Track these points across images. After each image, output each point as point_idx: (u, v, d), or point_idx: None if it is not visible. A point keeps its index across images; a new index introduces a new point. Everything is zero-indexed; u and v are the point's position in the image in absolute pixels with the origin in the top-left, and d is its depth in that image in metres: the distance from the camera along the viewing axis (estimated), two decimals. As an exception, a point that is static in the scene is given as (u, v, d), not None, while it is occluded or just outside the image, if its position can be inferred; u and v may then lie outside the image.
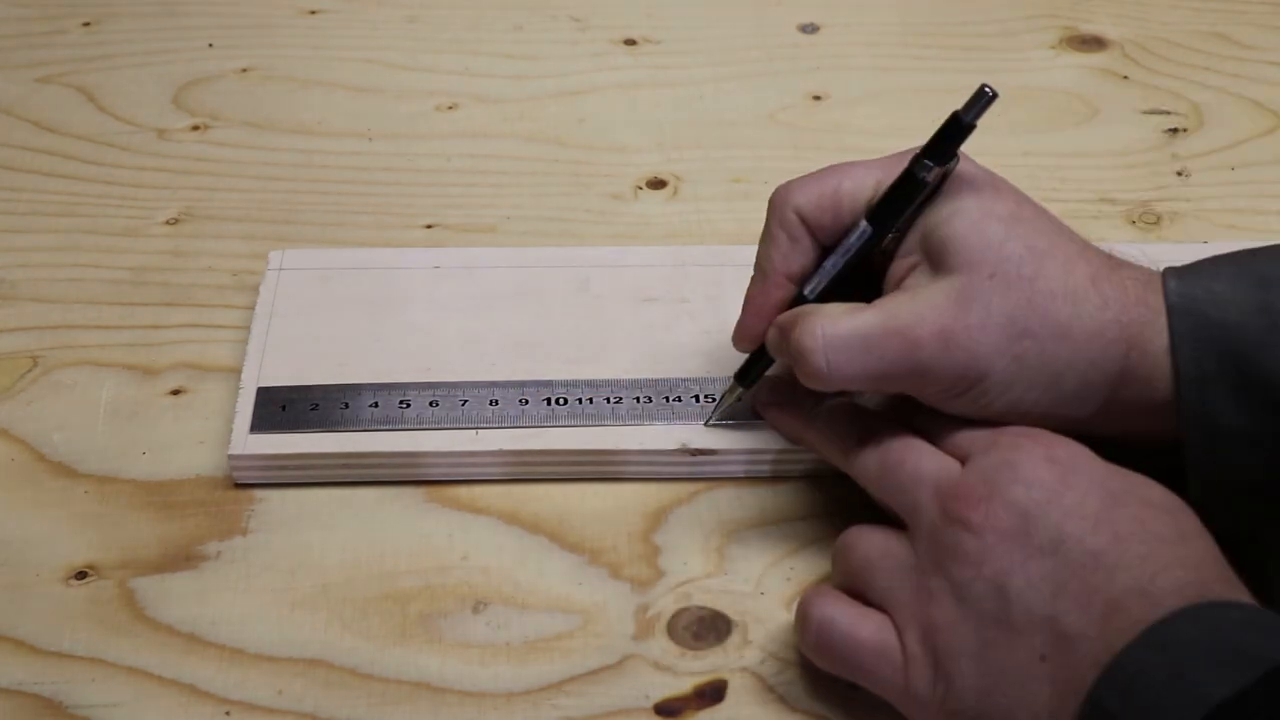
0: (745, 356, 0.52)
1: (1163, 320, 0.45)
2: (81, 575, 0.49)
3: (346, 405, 0.52)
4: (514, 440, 0.52)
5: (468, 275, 0.58)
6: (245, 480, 0.52)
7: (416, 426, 0.52)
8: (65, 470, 0.52)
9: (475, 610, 0.48)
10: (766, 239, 0.50)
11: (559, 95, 0.71)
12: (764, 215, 0.64)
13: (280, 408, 0.52)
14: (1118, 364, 0.45)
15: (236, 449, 0.51)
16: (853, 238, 0.48)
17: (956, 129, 0.47)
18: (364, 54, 0.74)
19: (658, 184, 0.66)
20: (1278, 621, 0.37)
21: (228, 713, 0.45)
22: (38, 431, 0.54)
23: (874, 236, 0.48)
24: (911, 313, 0.45)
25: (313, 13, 0.77)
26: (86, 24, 0.76)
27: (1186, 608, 0.37)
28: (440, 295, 0.57)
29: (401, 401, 0.52)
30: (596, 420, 0.52)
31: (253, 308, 0.57)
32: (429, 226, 0.63)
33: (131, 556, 0.50)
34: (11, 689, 0.46)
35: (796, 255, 0.49)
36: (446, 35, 0.76)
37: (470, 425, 0.52)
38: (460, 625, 0.48)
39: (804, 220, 0.49)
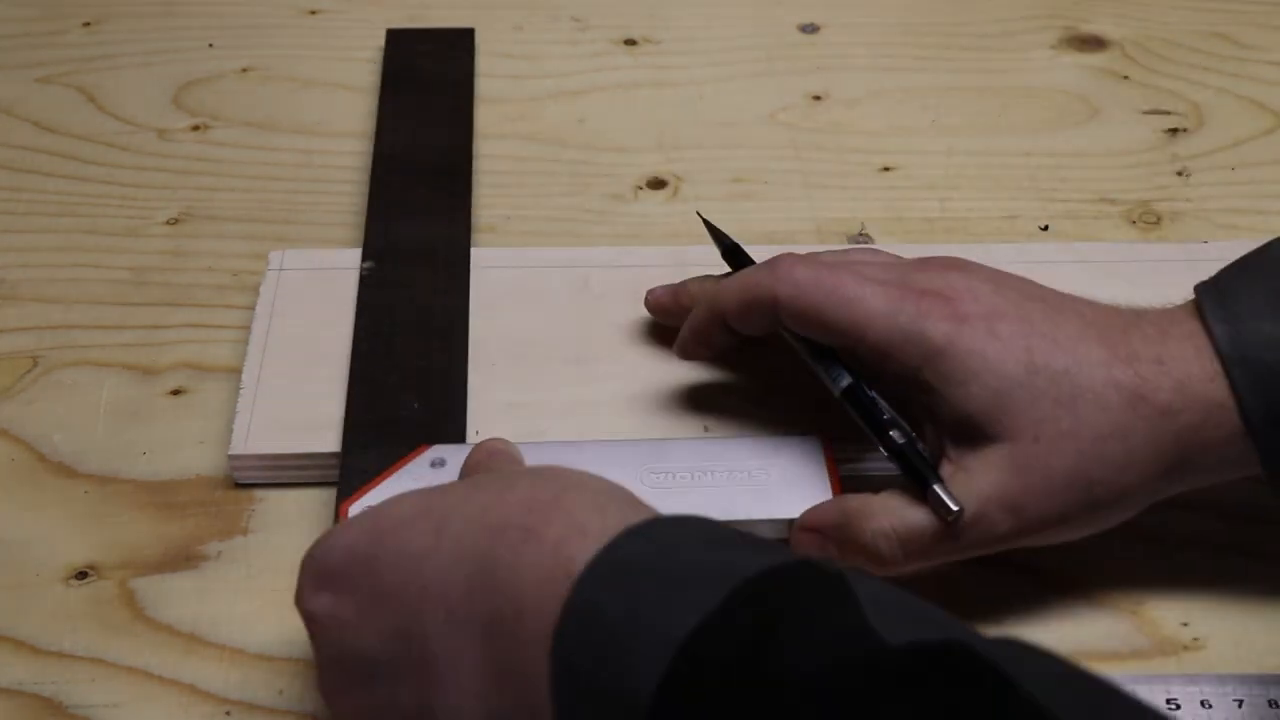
0: None
1: (1217, 373, 0.43)
2: (81, 575, 0.49)
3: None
4: (514, 439, 0.51)
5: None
6: (246, 480, 0.52)
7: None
8: (65, 470, 0.52)
9: (475, 610, 0.48)
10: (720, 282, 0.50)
11: (559, 95, 0.71)
12: (764, 215, 0.64)
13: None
14: (1179, 462, 0.43)
15: (237, 449, 0.51)
16: (826, 378, 0.48)
17: (821, 349, 0.47)
18: (364, 54, 0.74)
19: (658, 184, 0.66)
20: (738, 533, 0.36)
21: (228, 713, 0.45)
22: (38, 431, 0.54)
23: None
24: (976, 497, 0.44)
25: (313, 13, 0.77)
26: (86, 24, 0.76)
27: (630, 529, 0.35)
28: None
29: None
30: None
31: (253, 308, 0.57)
32: (429, 226, 0.63)
33: (131, 556, 0.50)
34: (11, 689, 0.46)
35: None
36: (446, 35, 0.76)
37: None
38: (460, 625, 0.48)
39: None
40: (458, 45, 0.71)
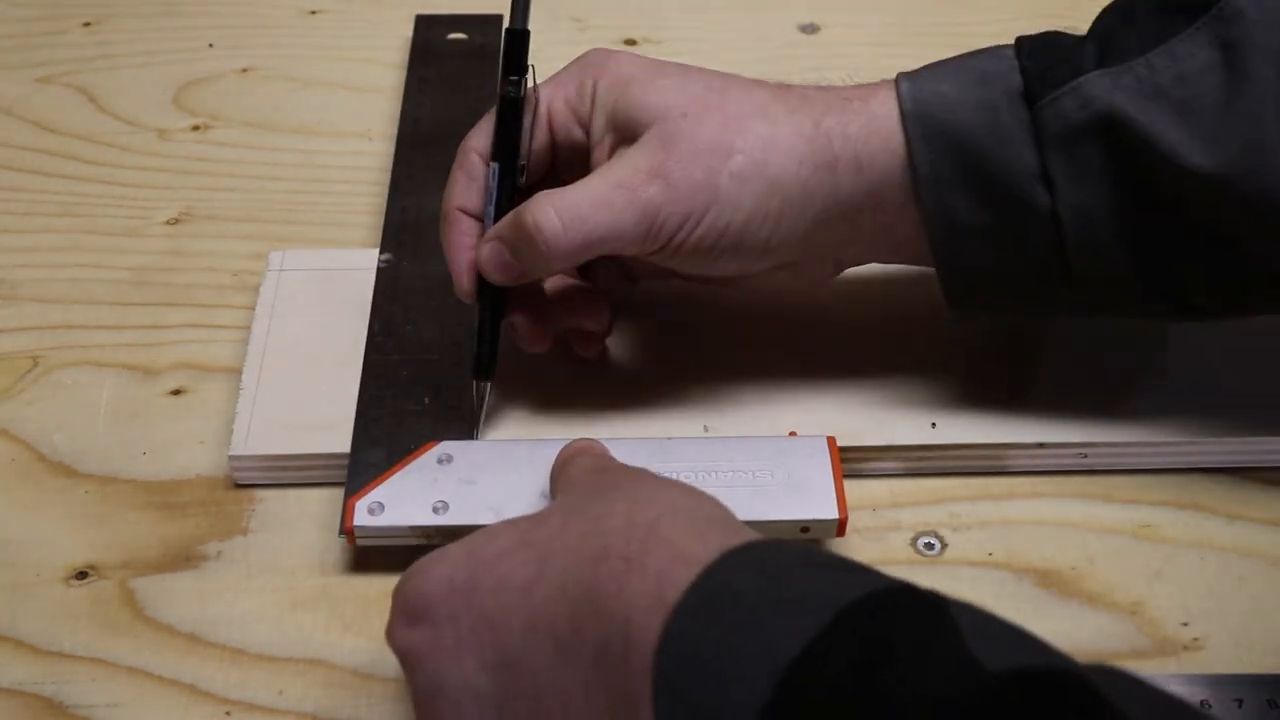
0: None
1: (897, 130, 0.47)
2: (81, 575, 0.49)
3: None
4: (512, 435, 0.52)
5: None
6: (246, 480, 0.52)
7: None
8: (65, 470, 0.52)
9: (475, 610, 0.48)
10: (447, 184, 0.51)
11: (559, 95, 0.71)
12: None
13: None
14: (831, 157, 0.47)
15: (237, 449, 0.51)
16: (490, 181, 0.50)
17: (514, 39, 0.51)
18: (364, 54, 0.74)
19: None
20: (836, 557, 0.36)
21: (228, 713, 0.45)
22: (38, 431, 0.54)
23: (505, 170, 0.50)
24: (626, 166, 0.47)
25: (313, 13, 0.77)
26: (87, 24, 0.76)
27: (730, 552, 0.35)
28: None
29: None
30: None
31: (253, 308, 0.57)
32: (429, 226, 0.63)
33: (131, 556, 0.50)
34: (11, 689, 0.46)
35: (473, 192, 0.50)
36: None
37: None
38: (460, 625, 0.48)
39: (483, 158, 0.50)
40: (487, 29, 0.71)
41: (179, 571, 0.49)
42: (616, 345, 0.55)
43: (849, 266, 0.52)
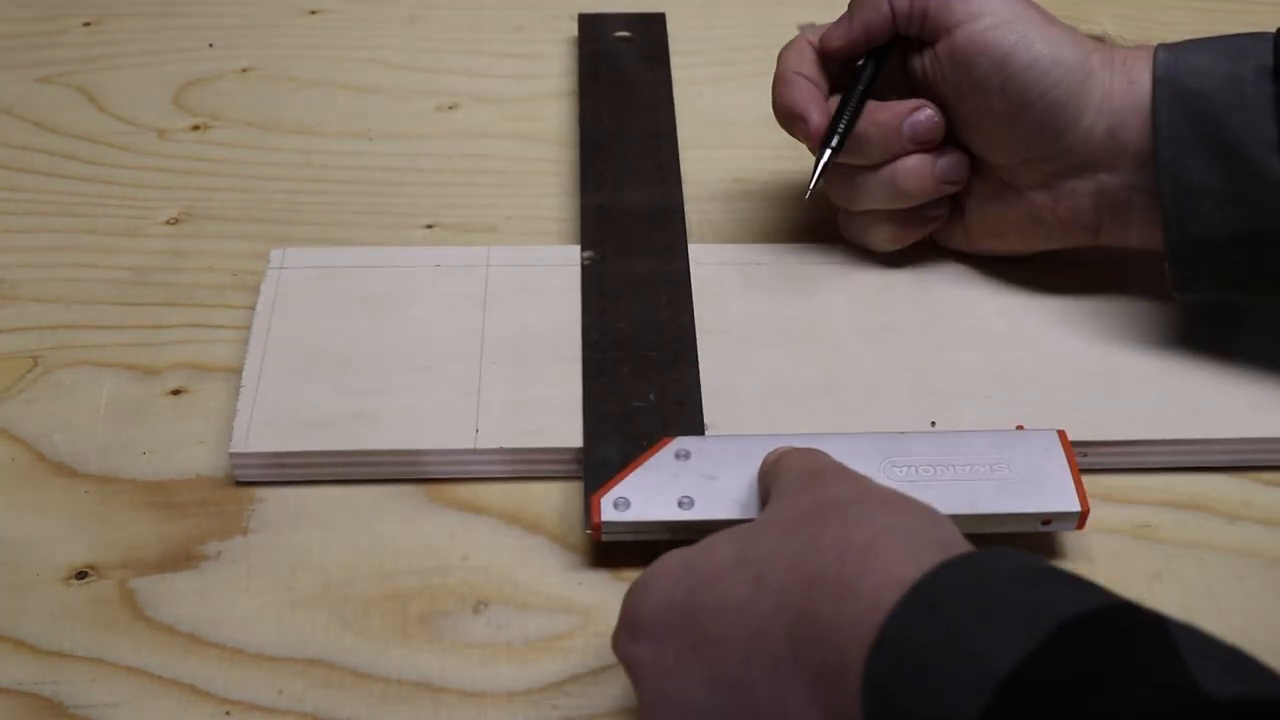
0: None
1: (1147, 91, 0.51)
2: (81, 575, 0.49)
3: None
4: (514, 439, 0.52)
5: (468, 273, 0.58)
6: (246, 478, 0.52)
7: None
8: (65, 470, 0.52)
9: (475, 610, 0.48)
10: (780, 60, 0.58)
11: (559, 95, 0.71)
12: (764, 215, 0.64)
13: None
14: (1090, 82, 0.52)
15: (238, 447, 0.51)
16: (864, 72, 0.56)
17: None
18: (364, 54, 0.74)
19: (658, 184, 0.66)
20: (1052, 569, 0.35)
21: (228, 713, 0.45)
22: (38, 431, 0.54)
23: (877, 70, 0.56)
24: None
25: (313, 13, 0.77)
26: (87, 24, 0.76)
27: (944, 563, 0.35)
28: (440, 294, 0.57)
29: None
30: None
31: (253, 308, 0.57)
32: (429, 226, 0.63)
33: (131, 556, 0.50)
34: (11, 689, 0.46)
35: (806, 60, 0.58)
36: (446, 35, 0.76)
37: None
38: (460, 625, 0.48)
39: (812, 44, 0.58)
40: (651, 27, 0.73)
41: (179, 571, 0.49)
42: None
43: (1084, 235, 0.55)
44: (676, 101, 0.69)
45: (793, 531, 0.39)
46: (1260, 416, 0.53)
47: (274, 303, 0.57)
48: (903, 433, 0.50)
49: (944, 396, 0.54)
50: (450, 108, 0.71)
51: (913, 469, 0.47)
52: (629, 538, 0.48)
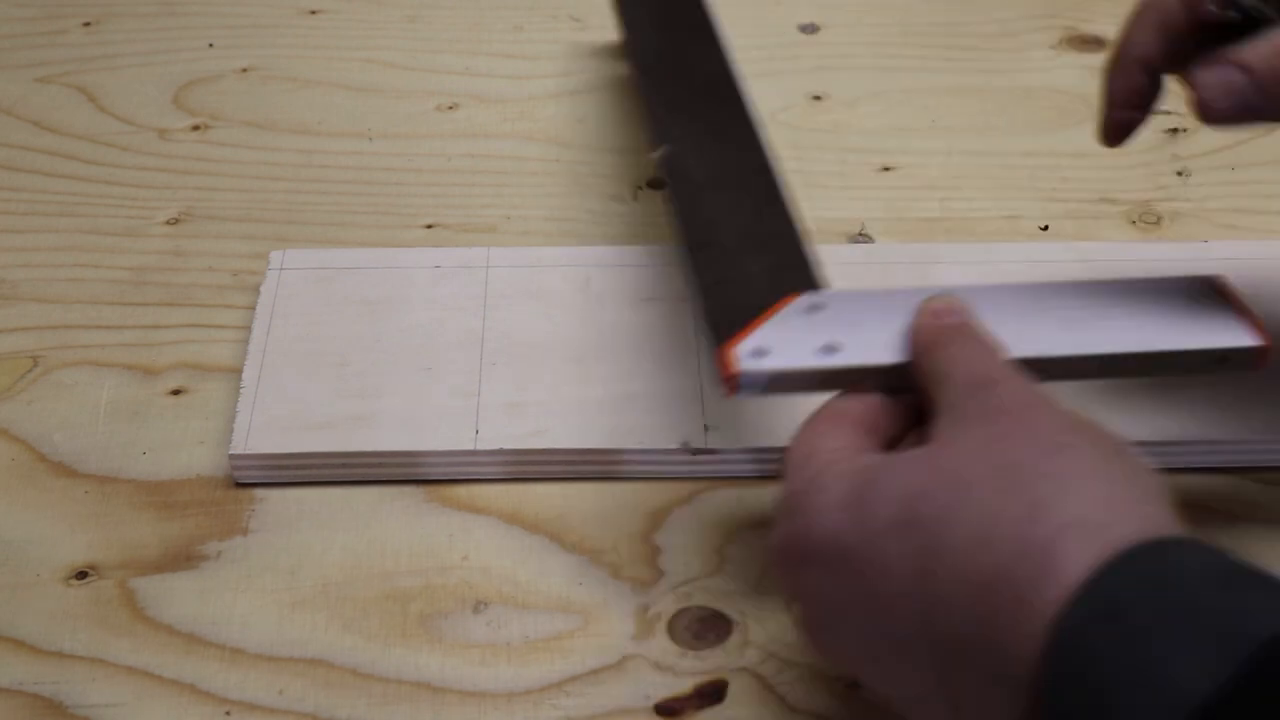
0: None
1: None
2: (81, 575, 0.49)
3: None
4: (514, 440, 0.52)
5: (468, 274, 0.58)
6: (246, 480, 0.52)
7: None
8: (65, 470, 0.52)
9: (475, 610, 0.48)
10: (1126, 29, 0.47)
11: (559, 95, 0.71)
12: (764, 215, 0.64)
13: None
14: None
15: (237, 448, 0.51)
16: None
17: None
18: (364, 54, 0.74)
19: (658, 184, 0.66)
20: (1248, 569, 0.31)
21: (228, 713, 0.45)
22: (38, 431, 0.54)
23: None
24: None
25: (313, 13, 0.77)
26: (86, 24, 0.76)
27: (1134, 550, 0.31)
28: (440, 295, 0.57)
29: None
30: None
31: (253, 308, 0.57)
32: (429, 226, 0.63)
33: (131, 556, 0.50)
34: (11, 689, 0.46)
35: (1158, 41, 0.47)
36: (446, 35, 0.76)
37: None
38: (460, 625, 0.48)
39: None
40: None
41: (179, 571, 0.49)
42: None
43: None
44: (676, 101, 0.69)
45: (967, 494, 0.35)
46: (1260, 417, 0.52)
47: (274, 304, 0.57)
48: (1046, 284, 0.46)
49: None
50: (450, 108, 0.71)
51: (1065, 322, 0.43)
52: (767, 393, 0.43)
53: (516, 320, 0.56)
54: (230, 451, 0.51)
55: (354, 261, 0.59)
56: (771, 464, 0.52)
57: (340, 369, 0.54)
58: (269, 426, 0.52)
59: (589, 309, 0.57)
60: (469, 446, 0.51)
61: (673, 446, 0.52)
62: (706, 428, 0.52)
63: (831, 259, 0.60)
